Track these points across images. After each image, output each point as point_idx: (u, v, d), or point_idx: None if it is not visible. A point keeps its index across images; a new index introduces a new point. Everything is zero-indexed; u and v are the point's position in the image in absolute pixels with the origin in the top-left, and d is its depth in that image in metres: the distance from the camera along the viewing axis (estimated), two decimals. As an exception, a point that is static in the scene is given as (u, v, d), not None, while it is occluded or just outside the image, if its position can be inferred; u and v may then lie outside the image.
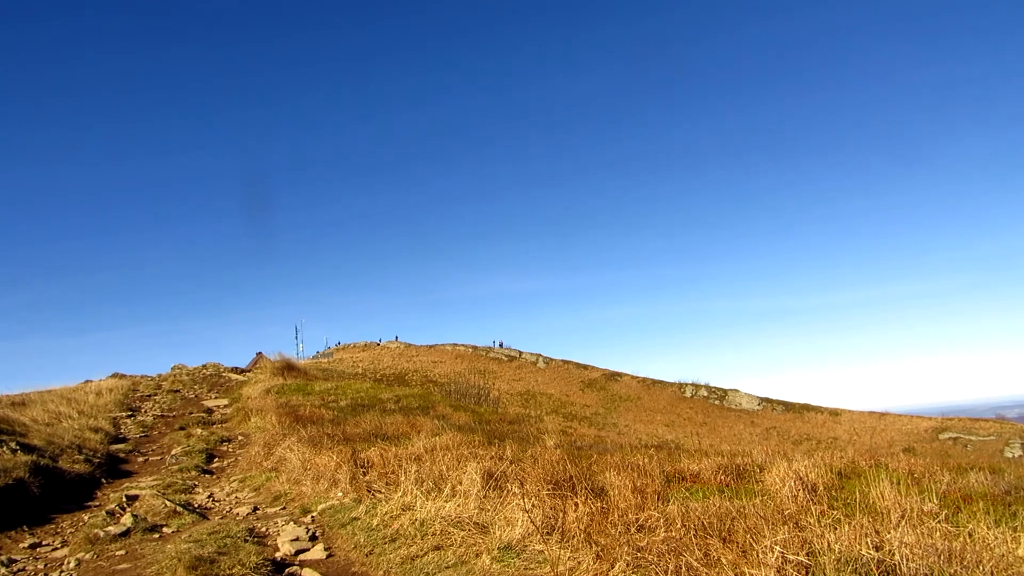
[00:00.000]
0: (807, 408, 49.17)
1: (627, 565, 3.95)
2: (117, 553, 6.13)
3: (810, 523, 4.10)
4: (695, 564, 3.74)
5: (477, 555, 4.77)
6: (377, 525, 5.95)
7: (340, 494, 7.40)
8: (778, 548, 3.62)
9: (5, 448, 9.16)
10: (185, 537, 6.07)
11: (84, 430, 12.91)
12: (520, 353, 64.24)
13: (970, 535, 3.94)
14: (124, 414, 16.98)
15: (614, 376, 57.51)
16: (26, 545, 6.67)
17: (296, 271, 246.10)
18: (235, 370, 29.79)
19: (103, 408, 17.16)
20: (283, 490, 8.40)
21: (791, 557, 3.59)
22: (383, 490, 6.88)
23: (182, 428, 15.22)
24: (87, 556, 6.09)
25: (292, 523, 6.71)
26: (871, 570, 3.52)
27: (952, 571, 3.42)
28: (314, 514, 7.05)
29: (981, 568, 3.44)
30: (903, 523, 4.05)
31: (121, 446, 13.02)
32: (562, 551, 4.30)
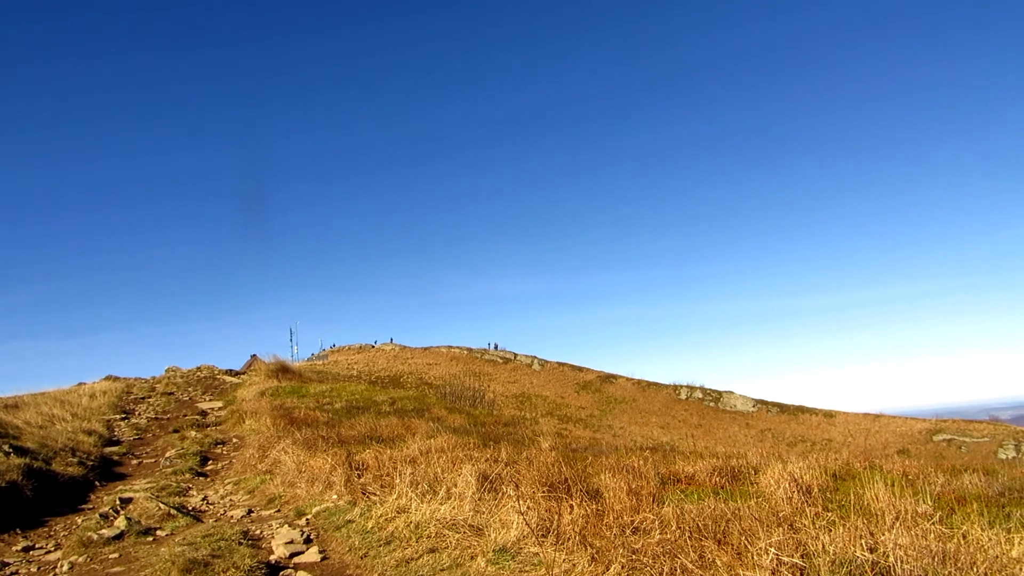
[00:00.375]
0: (802, 410, 49.11)
1: (622, 567, 3.93)
2: (111, 556, 6.09)
3: (805, 525, 4.08)
4: (690, 566, 3.71)
5: (472, 557, 4.74)
6: (372, 528, 5.94)
7: (335, 497, 7.36)
8: (773, 550, 3.61)
9: (-2, 451, 10.99)
10: (179, 540, 6.06)
11: (78, 433, 12.89)
12: (515, 355, 64.12)
13: (964, 536, 3.93)
14: (118, 416, 16.89)
15: (609, 378, 57.30)
16: (19, 548, 6.65)
17: (291, 273, 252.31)
18: (230, 372, 29.70)
19: (97, 410, 17.05)
20: (278, 493, 8.38)
21: (786, 559, 3.57)
22: (378, 492, 6.87)
23: (176, 431, 15.13)
24: (80, 559, 6.05)
25: (287, 526, 6.70)
26: (865, 572, 3.50)
27: (946, 572, 3.39)
28: (309, 517, 7.02)
29: (975, 570, 3.42)
30: (897, 525, 4.04)
31: (115, 449, 12.99)
32: (557, 553, 4.28)
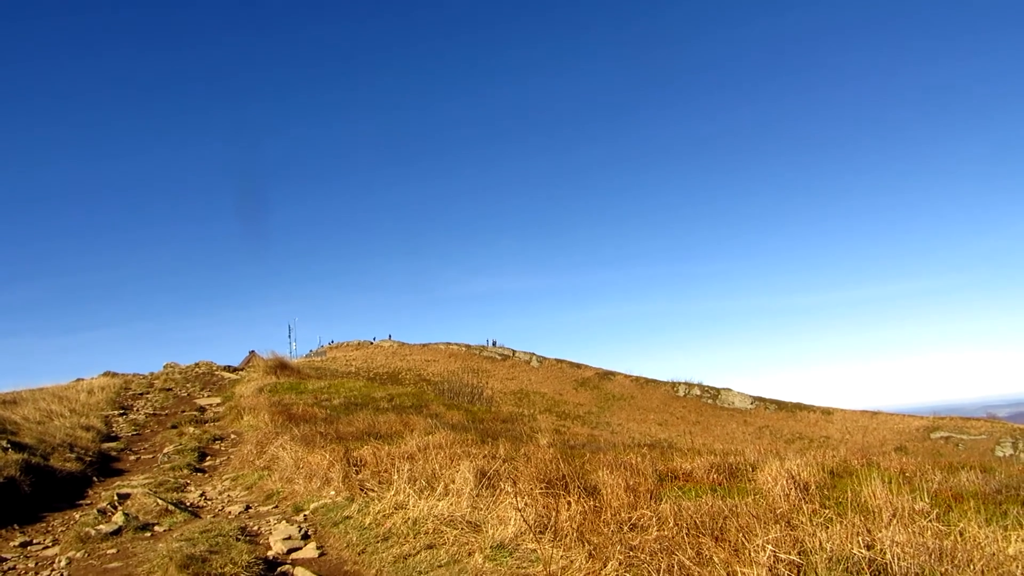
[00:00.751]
0: (799, 407, 49.12)
1: (620, 564, 3.95)
2: (108, 552, 6.13)
3: (802, 522, 4.10)
4: (687, 563, 3.74)
5: (470, 554, 4.75)
6: (370, 524, 5.93)
7: (333, 493, 7.36)
8: (770, 547, 3.62)
9: (-5, 446, 11.01)
10: (177, 536, 6.06)
11: (76, 428, 12.88)
12: (514, 352, 63.87)
13: (961, 534, 3.94)
14: (116, 412, 16.91)
15: (607, 375, 57.44)
16: (17, 543, 6.70)
17: (290, 270, 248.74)
18: (228, 368, 29.53)
19: (95, 406, 16.99)
20: (275, 488, 8.38)
21: (783, 556, 3.59)
22: (376, 489, 6.86)
23: (174, 426, 15.13)
24: (78, 555, 6.09)
25: (284, 522, 6.71)
26: (862, 569, 3.53)
27: (943, 570, 3.43)
28: (306, 513, 7.04)
29: (972, 567, 3.45)
30: (894, 522, 4.05)
31: (113, 444, 12.96)
32: (555, 550, 4.28)
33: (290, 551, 5.75)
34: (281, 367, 26.93)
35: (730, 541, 3.92)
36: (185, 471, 10.78)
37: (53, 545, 6.63)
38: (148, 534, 6.71)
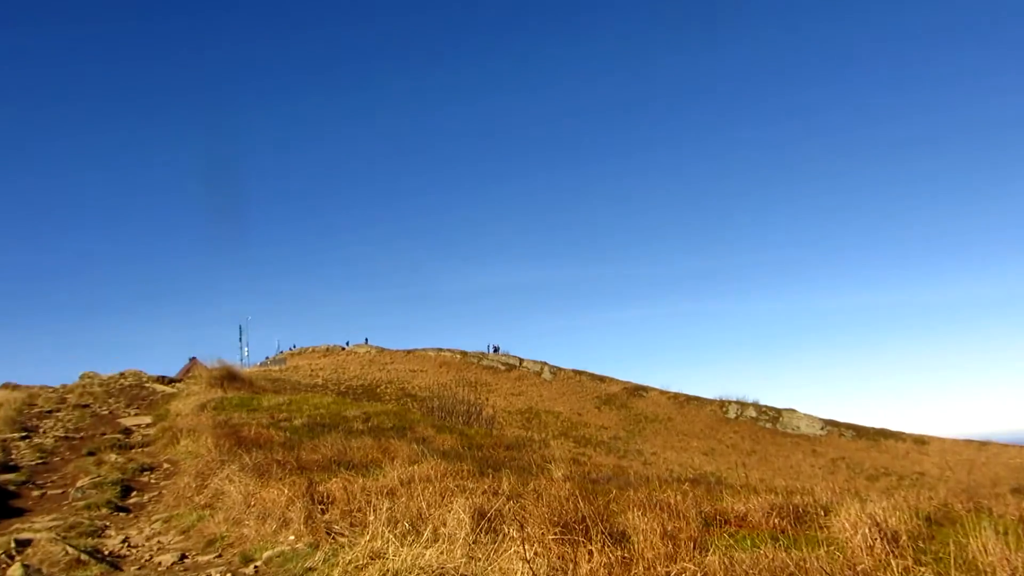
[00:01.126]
0: (884, 434, 48.41)
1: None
2: (5, 611, 6.96)
3: (890, 580, 4.47)
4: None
5: (464, 617, 5.44)
6: (338, 578, 7.12)
7: (292, 537, 7.33)
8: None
9: None
10: (92, 591, 6.69)
11: (-35, 455, 14.72)
12: (521, 361, 63.46)
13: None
14: (16, 435, 16.67)
15: (639, 391, 57.61)
16: None
17: (243, 259, 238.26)
18: (162, 380, 29.30)
19: (-9, 427, 19.80)
20: (219, 532, 8.35)
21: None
22: (346, 532, 6.81)
23: (91, 453, 14.87)
24: (-33, 615, 6.87)
25: (229, 575, 6.55)
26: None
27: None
28: (258, 563, 6.99)
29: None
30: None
31: (11, 476, 12.70)
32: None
33: (236, 612, 6.37)
34: (229, 378, 26.85)
35: (798, 604, 4.22)
36: (104, 510, 10.58)
37: (-64, 602, 7.69)
38: (56, 589, 7.72)
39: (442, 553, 5.65)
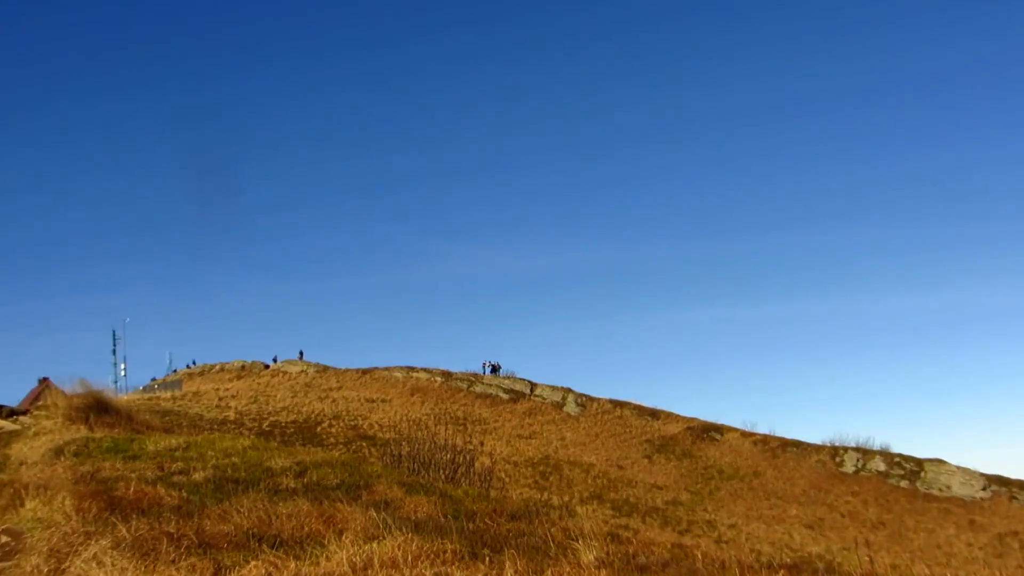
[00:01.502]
0: (1080, 498, 44.92)
1: None
2: None
3: None
4: None
5: None
6: None
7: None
8: None
9: None
10: None
11: None
12: (532, 387, 62.93)
13: None
14: None
15: (709, 432, 56.21)
16: None
17: (117, 237, 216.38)
18: (-1, 412, 30.29)
19: None
20: (81, 649, 9.31)
21: None
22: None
23: None
24: None
25: None
26: None
27: None
28: None
29: None
30: None
31: None
32: None
33: None
34: (98, 409, 26.25)
35: None
36: None
37: None
38: None
39: None
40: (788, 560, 11.72)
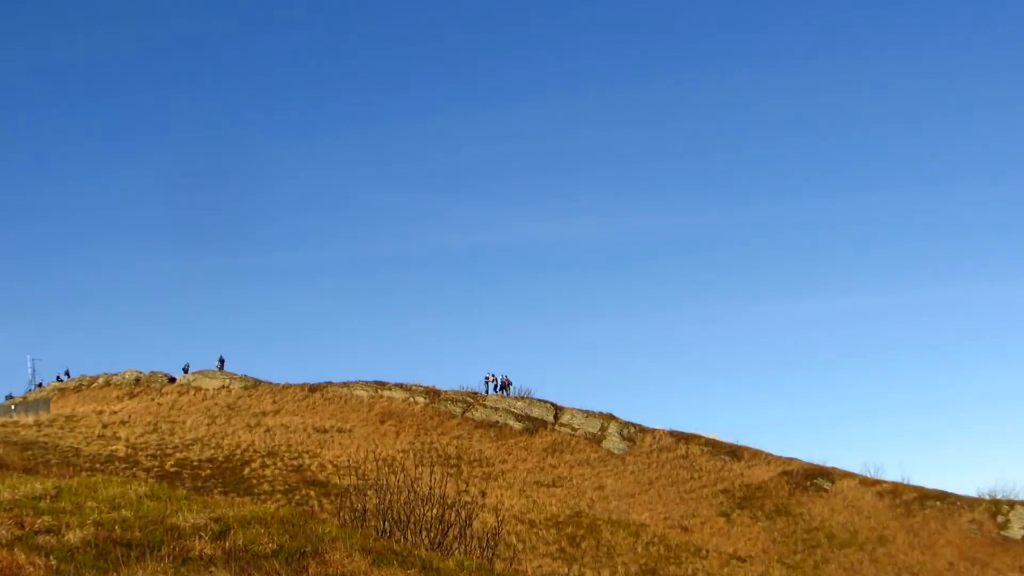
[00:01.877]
0: None
1: None
2: None
3: None
4: None
5: None
6: None
7: None
8: None
9: None
10: None
11: None
12: (558, 412, 59.80)
13: None
14: None
15: (812, 479, 54.28)
16: None
17: None
18: None
19: None
20: None
21: None
22: None
23: None
24: None
25: None
26: None
27: None
28: None
29: None
30: None
31: None
32: None
33: None
34: None
35: None
36: None
37: None
38: None
39: None
40: None
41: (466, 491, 39.50)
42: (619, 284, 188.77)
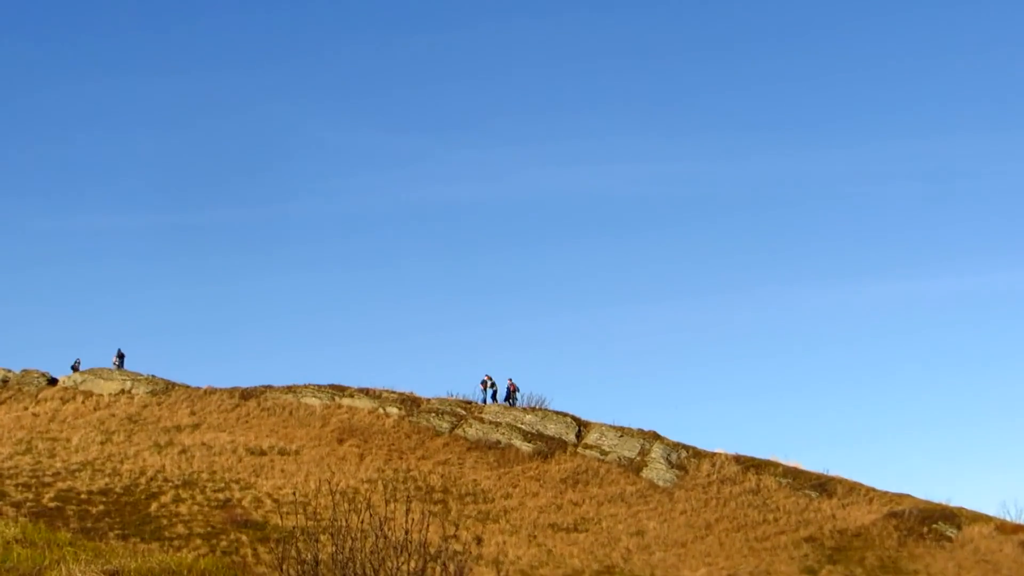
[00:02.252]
0: None
1: None
2: None
3: None
4: None
5: None
6: None
7: None
8: None
9: None
10: None
11: None
12: (581, 429, 56.38)
13: None
14: None
15: (931, 523, 50.28)
16: None
17: None
18: None
19: None
20: None
21: None
22: None
23: None
24: None
25: None
26: None
27: None
28: None
29: None
30: None
31: None
32: None
33: None
34: None
35: None
36: None
37: None
38: None
39: None
40: None
41: (456, 536, 35.91)
42: (664, 255, 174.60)
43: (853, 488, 58.52)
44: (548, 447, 59.36)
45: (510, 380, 64.65)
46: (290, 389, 63.66)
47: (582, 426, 60.42)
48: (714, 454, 59.03)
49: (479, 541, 45.87)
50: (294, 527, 36.79)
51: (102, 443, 55.73)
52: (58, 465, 52.72)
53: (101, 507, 47.27)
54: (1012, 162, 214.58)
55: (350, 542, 23.04)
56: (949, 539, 52.63)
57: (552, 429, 60.85)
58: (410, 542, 23.30)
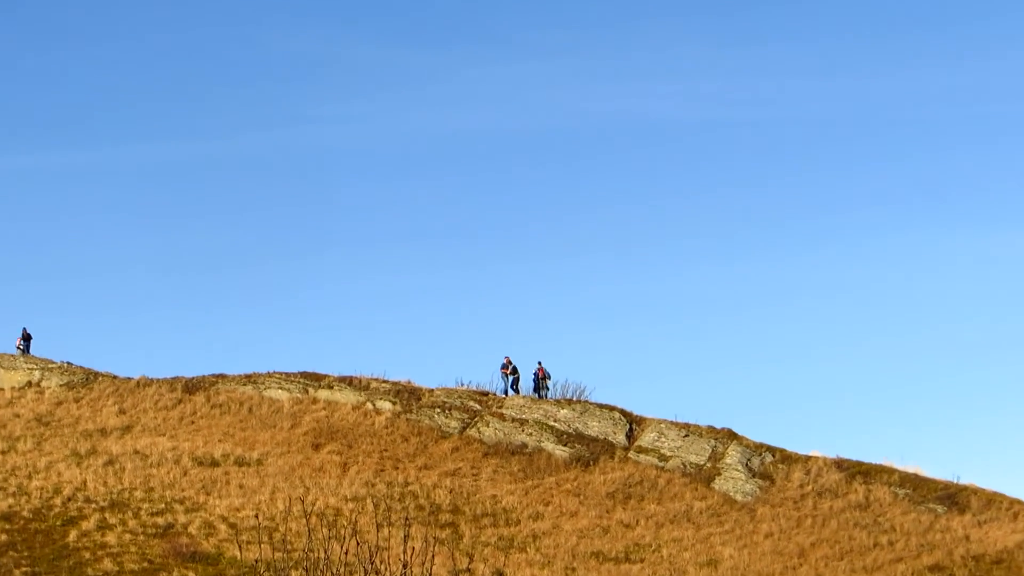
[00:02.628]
0: None
1: None
2: None
3: None
4: None
5: None
6: None
7: None
8: None
9: None
10: None
11: None
12: (633, 428, 54.93)
13: None
14: None
15: None
16: None
17: None
18: None
19: None
20: None
21: None
22: None
23: None
24: None
25: None
26: None
27: None
28: None
29: None
30: None
31: None
32: None
33: None
34: None
35: None
36: None
37: None
38: None
39: None
40: None
41: (469, 571, 40.67)
42: (748, 203, 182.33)
43: (992, 500, 57.67)
44: (590, 451, 59.15)
45: (539, 364, 63.60)
46: (249, 379, 63.27)
47: (634, 423, 59.84)
48: (808, 458, 58.68)
49: (501, 574, 47.10)
50: (256, 560, 36.67)
51: (3, 453, 55.98)
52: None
53: (3, 536, 48.04)
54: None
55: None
56: None
57: (595, 428, 60.32)
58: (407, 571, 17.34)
